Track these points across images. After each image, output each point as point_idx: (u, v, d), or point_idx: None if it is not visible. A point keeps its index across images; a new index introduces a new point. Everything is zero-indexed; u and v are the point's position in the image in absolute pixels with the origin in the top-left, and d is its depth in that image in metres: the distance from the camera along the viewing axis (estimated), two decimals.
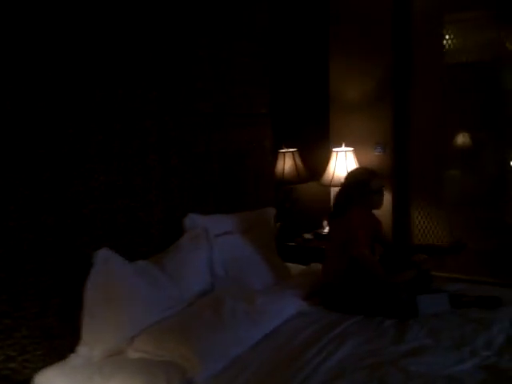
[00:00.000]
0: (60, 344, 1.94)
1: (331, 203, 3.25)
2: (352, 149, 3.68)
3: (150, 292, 2.03)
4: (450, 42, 3.76)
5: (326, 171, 3.68)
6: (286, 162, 3.68)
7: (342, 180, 2.78)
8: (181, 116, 2.63)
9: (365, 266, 2.40)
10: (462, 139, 3.90)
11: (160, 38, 2.50)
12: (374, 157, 3.83)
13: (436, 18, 3.77)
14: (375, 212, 2.74)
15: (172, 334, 1.91)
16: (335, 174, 3.60)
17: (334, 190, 3.32)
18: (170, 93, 2.57)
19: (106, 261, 1.93)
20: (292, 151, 3.69)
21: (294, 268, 2.97)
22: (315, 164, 3.85)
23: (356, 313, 2.30)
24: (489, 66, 3.69)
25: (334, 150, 3.70)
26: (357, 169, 2.95)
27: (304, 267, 2.96)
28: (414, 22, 3.76)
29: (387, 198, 3.81)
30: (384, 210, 3.78)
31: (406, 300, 2.27)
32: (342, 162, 3.62)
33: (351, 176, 2.67)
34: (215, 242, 2.51)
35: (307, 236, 3.62)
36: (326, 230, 3.46)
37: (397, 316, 2.21)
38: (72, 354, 1.91)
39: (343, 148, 3.67)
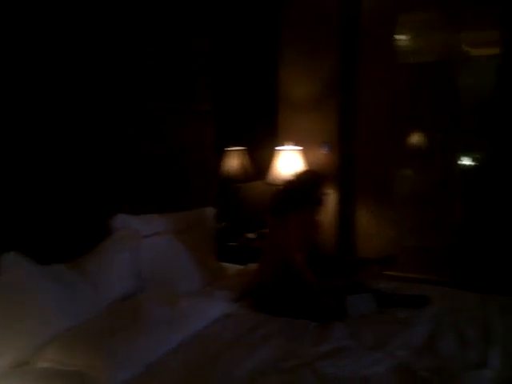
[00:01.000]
0: None
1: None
2: (298, 147, 3.66)
3: (62, 297, 1.95)
4: (404, 42, 3.77)
5: (271, 170, 3.65)
6: (233, 161, 3.64)
7: (289, 178, 2.75)
8: (112, 109, 2.56)
9: (296, 271, 2.37)
10: (414, 139, 3.92)
11: (98, 31, 2.44)
12: (321, 156, 3.83)
13: (389, 18, 3.78)
14: None
15: (83, 341, 1.84)
16: (280, 172, 3.57)
17: None
18: (103, 87, 2.50)
19: (13, 265, 1.85)
20: (239, 149, 3.65)
21: (232, 268, 2.93)
22: (263, 163, 3.82)
23: (285, 315, 2.27)
24: (443, 66, 3.72)
25: (279, 148, 3.68)
26: (309, 172, 2.83)
27: (241, 267, 2.92)
28: (365, 22, 3.76)
29: (333, 196, 3.83)
30: (329, 208, 3.81)
31: (333, 304, 2.26)
32: (288, 161, 3.60)
33: (302, 178, 2.62)
34: (144, 244, 2.45)
35: (250, 236, 3.59)
36: None
37: (322, 319, 2.20)
38: None
39: (289, 147, 3.64)
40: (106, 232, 2.39)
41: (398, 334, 2.04)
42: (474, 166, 3.76)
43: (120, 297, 2.22)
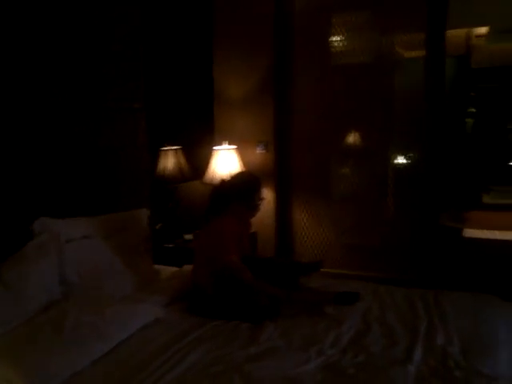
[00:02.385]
0: None
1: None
2: (234, 147, 3.64)
3: None
4: (338, 43, 3.82)
5: (208, 170, 3.61)
6: (169, 161, 3.57)
7: (224, 178, 2.69)
8: (35, 107, 2.43)
9: (233, 272, 2.34)
10: (350, 139, 3.99)
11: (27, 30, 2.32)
12: (257, 155, 3.83)
13: (323, 18, 3.82)
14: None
15: (1, 354, 1.73)
16: (217, 172, 3.54)
17: None
18: (29, 84, 2.38)
19: None
20: (175, 149, 3.58)
21: (167, 271, 2.87)
22: (200, 162, 3.77)
23: (218, 317, 2.24)
24: (377, 67, 3.79)
25: (216, 148, 3.64)
26: (241, 175, 2.78)
27: (176, 269, 2.86)
28: (299, 21, 3.79)
29: (270, 196, 3.84)
30: (267, 208, 3.81)
31: (265, 304, 2.25)
32: (224, 161, 3.57)
33: (234, 182, 2.59)
34: (71, 248, 2.34)
35: (188, 237, 3.53)
36: None
37: (254, 320, 2.18)
38: None
39: (225, 146, 3.62)
40: (28, 237, 2.26)
41: (329, 331, 2.06)
42: (408, 164, 3.87)
43: (44, 304, 2.10)
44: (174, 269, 2.90)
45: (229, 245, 2.36)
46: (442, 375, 1.69)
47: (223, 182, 2.67)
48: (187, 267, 2.78)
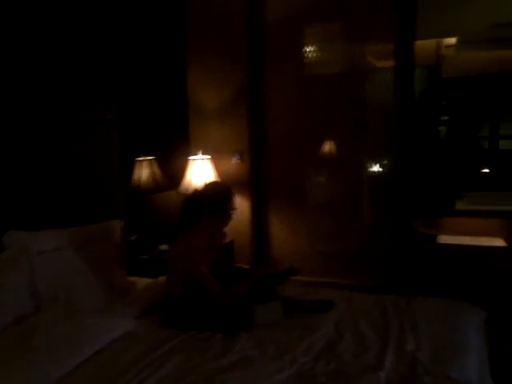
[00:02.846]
0: None
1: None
2: (209, 157, 3.65)
3: None
4: (311, 53, 3.86)
5: (184, 180, 3.61)
6: (144, 171, 3.54)
7: (197, 188, 2.67)
8: (3, 118, 2.40)
9: (201, 284, 2.34)
10: (325, 147, 4.03)
11: None
12: (232, 165, 3.84)
13: (295, 29, 3.86)
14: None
15: None
16: (192, 182, 3.54)
17: None
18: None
19: None
20: (149, 159, 3.57)
21: (141, 282, 2.85)
22: (175, 172, 3.77)
23: (191, 328, 2.23)
24: (350, 77, 3.85)
25: (191, 158, 3.64)
26: (218, 184, 2.79)
27: (151, 281, 2.84)
28: (272, 32, 3.82)
29: (246, 205, 3.85)
30: (243, 218, 3.83)
31: (238, 314, 2.25)
32: (199, 171, 3.57)
33: (205, 192, 2.58)
34: (42, 260, 2.31)
35: (163, 247, 3.51)
36: None
37: (228, 330, 2.18)
38: None
39: (200, 156, 3.62)
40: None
41: (302, 340, 2.07)
42: (382, 172, 3.92)
43: (14, 318, 2.07)
44: (149, 280, 2.88)
45: (199, 256, 2.36)
46: (412, 381, 1.71)
47: (195, 193, 2.67)
48: (162, 278, 2.76)
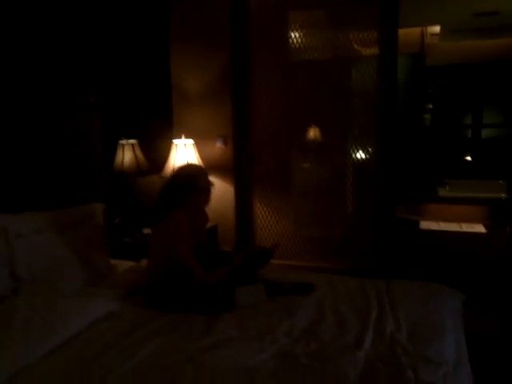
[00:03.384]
0: None
1: None
2: (193, 141, 3.63)
3: None
4: (297, 39, 3.84)
5: (167, 163, 3.59)
6: (126, 154, 3.51)
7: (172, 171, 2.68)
8: None
9: (184, 266, 2.34)
10: (310, 134, 4.03)
11: None
12: (216, 149, 3.83)
13: (280, 15, 3.82)
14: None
15: None
16: (175, 166, 3.51)
17: None
18: None
19: None
20: (132, 143, 3.53)
21: (124, 265, 2.84)
22: (158, 156, 3.74)
23: (174, 310, 2.24)
24: (335, 64, 3.83)
25: (175, 141, 3.62)
26: (183, 166, 2.81)
27: (133, 264, 2.84)
28: (256, 17, 3.78)
29: (230, 189, 3.85)
30: (227, 202, 3.84)
31: (221, 295, 2.26)
32: (183, 154, 3.55)
33: (178, 173, 2.59)
34: (21, 243, 2.28)
35: (146, 231, 3.49)
36: None
37: (211, 311, 2.19)
38: None
39: (184, 140, 3.60)
40: None
41: (283, 321, 2.09)
42: (366, 158, 3.94)
43: None
44: (132, 263, 2.87)
45: (180, 238, 2.36)
46: (390, 361, 1.74)
47: (170, 176, 2.68)
48: (145, 261, 2.76)
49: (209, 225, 3.06)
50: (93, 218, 2.81)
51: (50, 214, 2.56)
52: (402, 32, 3.47)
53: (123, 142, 3.50)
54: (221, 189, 3.81)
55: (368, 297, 2.34)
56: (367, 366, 1.70)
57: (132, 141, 3.52)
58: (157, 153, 3.75)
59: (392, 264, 3.57)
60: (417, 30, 5.07)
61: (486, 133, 5.74)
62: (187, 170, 2.61)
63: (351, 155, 3.89)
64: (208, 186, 2.56)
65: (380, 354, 1.79)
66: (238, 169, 3.82)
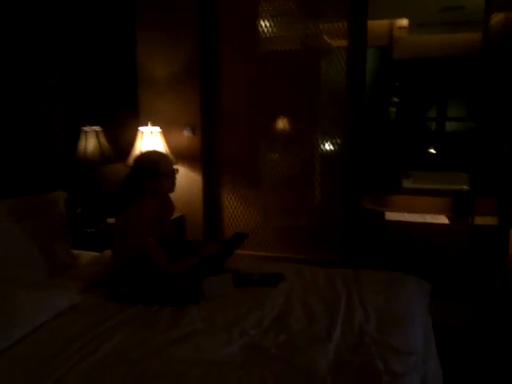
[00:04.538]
0: None
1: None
2: (160, 129, 3.54)
3: None
4: (266, 29, 3.78)
5: (132, 151, 3.49)
6: (90, 142, 3.39)
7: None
8: None
9: (148, 256, 2.27)
10: (278, 124, 4.00)
11: None
12: (184, 138, 3.75)
13: (250, 4, 3.75)
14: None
15: None
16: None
17: None
18: None
19: None
20: (96, 130, 3.41)
21: (87, 256, 2.74)
22: (123, 144, 3.63)
23: (138, 302, 2.18)
24: (304, 54, 3.80)
25: (141, 129, 3.52)
26: (145, 152, 2.74)
27: (96, 254, 2.75)
28: (224, 5, 3.70)
29: (198, 179, 3.79)
30: (195, 192, 3.77)
31: (187, 287, 2.21)
32: (149, 142, 3.46)
33: (139, 159, 2.51)
34: None
35: (110, 221, 3.39)
36: None
37: (176, 303, 2.14)
38: None
39: (149, 127, 3.50)
40: None
41: (251, 312, 2.06)
42: (334, 150, 3.95)
43: None
44: (95, 254, 2.78)
45: (145, 228, 2.29)
46: (359, 351, 1.74)
47: (133, 164, 2.60)
48: (108, 252, 2.67)
49: (176, 215, 3.00)
50: (53, 206, 2.70)
51: (7, 203, 2.45)
52: (370, 24, 3.47)
53: (87, 128, 3.37)
54: (189, 178, 3.75)
55: (336, 286, 2.33)
56: (337, 357, 1.69)
57: (96, 128, 3.40)
58: (122, 140, 3.64)
59: (359, 254, 3.60)
60: (385, 23, 5.09)
61: (449, 126, 5.85)
62: (149, 155, 2.54)
63: (320, 146, 3.89)
64: (171, 170, 2.48)
65: (349, 344, 1.79)
66: (206, 158, 3.76)
